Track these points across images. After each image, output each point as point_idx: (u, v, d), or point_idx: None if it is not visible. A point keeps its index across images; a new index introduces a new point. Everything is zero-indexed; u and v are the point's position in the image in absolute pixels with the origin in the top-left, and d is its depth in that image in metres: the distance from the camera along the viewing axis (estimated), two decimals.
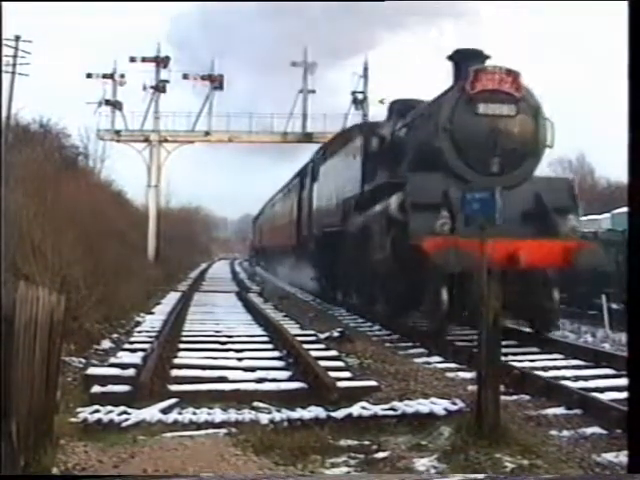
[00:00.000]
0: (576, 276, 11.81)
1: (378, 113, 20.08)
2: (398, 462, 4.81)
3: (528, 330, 10.80)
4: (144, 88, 30.23)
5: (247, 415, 5.81)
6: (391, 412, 5.87)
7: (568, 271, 10.45)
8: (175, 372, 7.43)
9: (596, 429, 5.68)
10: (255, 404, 6.21)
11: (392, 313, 11.75)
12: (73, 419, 5.50)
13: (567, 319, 13.15)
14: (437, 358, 9.16)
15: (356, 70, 31.04)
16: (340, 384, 6.65)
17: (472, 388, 6.27)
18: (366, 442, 5.24)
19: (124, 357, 8.29)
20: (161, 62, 30.40)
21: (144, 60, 30.27)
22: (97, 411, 5.71)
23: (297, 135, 30.60)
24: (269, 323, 11.61)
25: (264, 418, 5.71)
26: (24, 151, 16.33)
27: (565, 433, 5.62)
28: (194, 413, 5.80)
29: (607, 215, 23.56)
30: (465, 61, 10.98)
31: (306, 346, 8.78)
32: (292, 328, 11.23)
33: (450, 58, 11.27)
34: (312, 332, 10.90)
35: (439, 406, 5.98)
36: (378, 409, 5.92)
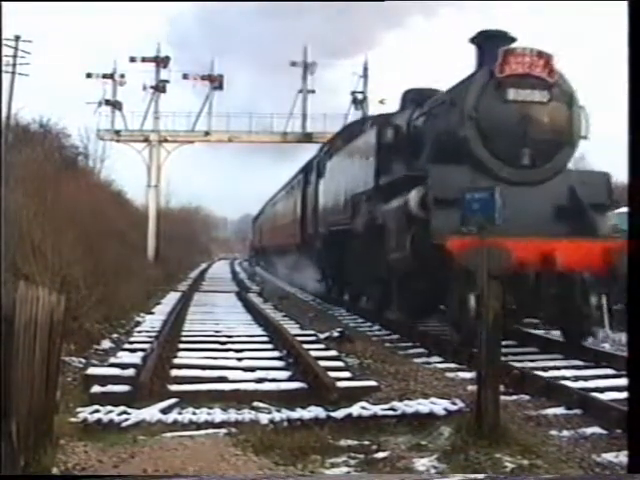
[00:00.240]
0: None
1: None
2: (398, 462, 4.81)
3: (544, 336, 10.29)
4: (144, 88, 30.28)
5: (247, 415, 5.81)
6: (391, 412, 5.87)
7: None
8: (175, 372, 7.42)
9: (596, 429, 5.68)
10: (255, 404, 6.21)
11: (408, 319, 10.90)
12: (73, 419, 5.50)
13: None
14: (437, 358, 9.15)
15: (356, 70, 31.13)
16: (340, 384, 6.65)
17: (472, 388, 6.27)
18: (366, 442, 5.24)
19: (124, 357, 8.29)
20: (161, 62, 30.42)
21: (144, 60, 30.30)
22: (97, 411, 5.71)
23: (297, 135, 30.61)
24: (269, 323, 11.61)
25: (264, 418, 5.71)
26: (24, 151, 16.34)
27: (565, 433, 5.62)
28: (194, 413, 5.80)
29: None
30: (489, 43, 10.04)
31: (306, 346, 8.78)
32: (292, 328, 11.23)
33: (472, 41, 10.35)
34: (312, 332, 10.90)
35: (439, 406, 5.98)
36: (378, 409, 5.91)
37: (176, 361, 8.09)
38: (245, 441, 5.10)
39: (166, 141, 30.55)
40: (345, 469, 4.70)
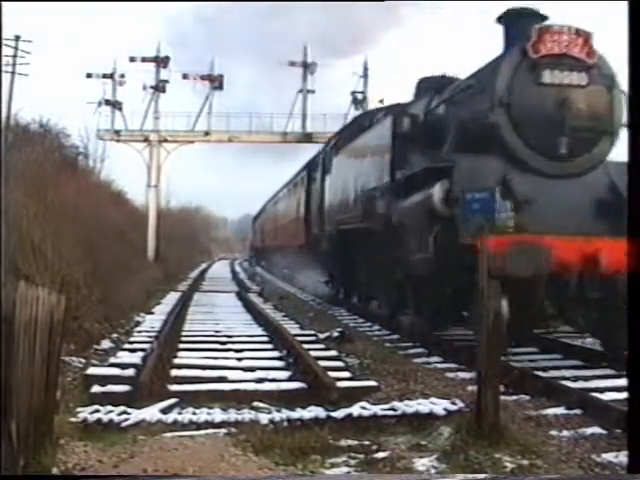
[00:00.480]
0: None
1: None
2: (398, 462, 4.81)
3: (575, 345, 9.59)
4: (144, 88, 30.31)
5: (247, 415, 5.81)
6: (391, 412, 5.87)
7: None
8: (175, 372, 7.43)
9: (596, 429, 5.68)
10: (255, 404, 6.21)
11: (426, 326, 9.90)
12: (73, 419, 5.50)
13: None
14: (437, 358, 9.15)
15: (356, 70, 31.15)
16: (340, 384, 6.65)
17: (472, 388, 6.28)
18: (366, 442, 5.24)
19: (124, 357, 8.29)
20: (161, 62, 30.46)
21: (144, 60, 30.34)
22: (97, 411, 5.71)
23: (297, 135, 30.63)
24: (269, 323, 11.61)
25: (264, 418, 5.71)
26: (24, 151, 16.33)
27: (565, 433, 5.62)
28: (194, 413, 5.80)
29: None
30: (519, 22, 9.15)
31: (306, 346, 8.78)
32: (292, 328, 11.23)
33: (499, 20, 9.49)
34: (312, 332, 10.91)
35: (439, 406, 5.98)
36: (378, 409, 5.92)
37: (176, 361, 8.10)
38: (245, 441, 5.10)
39: (166, 141, 30.57)
40: (345, 469, 4.70)
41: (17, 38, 30.22)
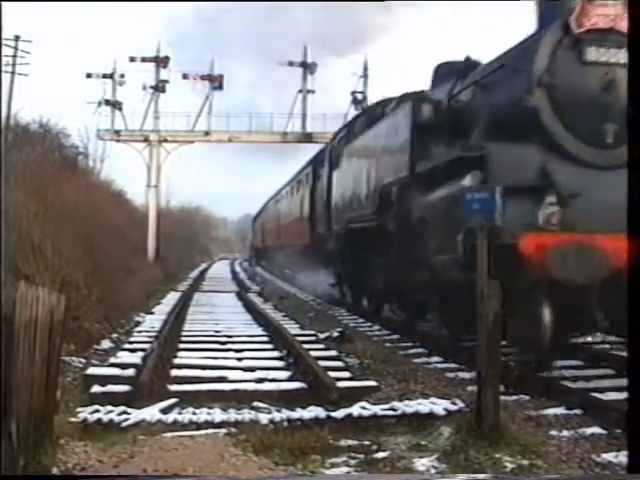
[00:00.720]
0: None
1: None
2: (398, 462, 4.81)
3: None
4: (144, 88, 30.32)
5: (247, 415, 5.81)
6: (391, 412, 5.87)
7: None
8: (175, 372, 7.43)
9: (596, 429, 5.68)
10: (255, 404, 6.21)
11: (452, 335, 9.05)
12: (73, 419, 5.51)
13: None
14: (437, 358, 9.14)
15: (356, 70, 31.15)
16: (340, 384, 6.65)
17: (472, 388, 6.28)
18: (366, 442, 5.24)
19: (124, 357, 8.29)
20: (161, 62, 30.47)
21: (144, 60, 30.36)
22: (97, 411, 5.72)
23: (297, 135, 30.63)
24: (269, 323, 11.61)
25: (264, 418, 5.71)
26: (24, 151, 16.33)
27: (565, 433, 5.62)
28: (194, 413, 5.81)
29: None
30: None
31: (306, 346, 8.78)
32: (292, 328, 11.23)
33: None
34: (312, 332, 10.91)
35: (439, 406, 5.98)
36: (378, 409, 5.92)
37: (176, 361, 8.10)
38: (245, 441, 5.10)
39: (166, 141, 30.57)
40: (345, 469, 4.70)
41: (17, 38, 30.24)
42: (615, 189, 7.05)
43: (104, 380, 6.79)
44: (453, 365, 8.58)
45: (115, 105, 30.25)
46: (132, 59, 30.25)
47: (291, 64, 30.92)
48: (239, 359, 8.45)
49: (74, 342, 8.87)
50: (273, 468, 4.65)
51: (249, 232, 62.01)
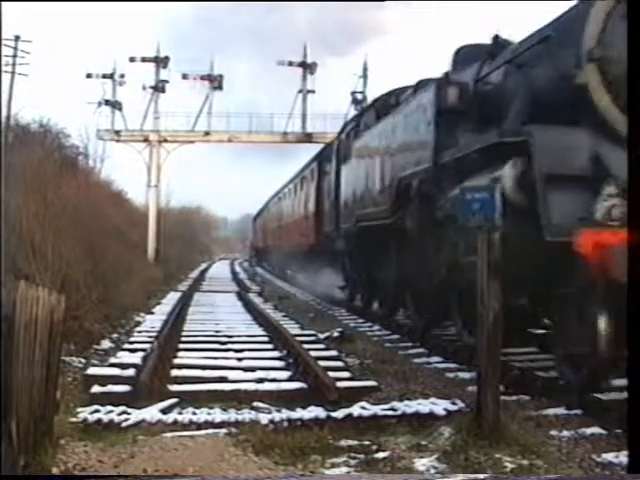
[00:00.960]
0: None
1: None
2: (398, 462, 4.81)
3: None
4: (144, 88, 30.32)
5: (247, 415, 5.81)
6: (391, 412, 5.87)
7: None
8: (175, 372, 7.43)
9: (596, 429, 5.68)
10: (255, 404, 6.21)
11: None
12: (73, 419, 5.51)
13: None
14: (437, 358, 9.14)
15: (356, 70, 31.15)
16: (340, 384, 6.65)
17: (472, 388, 6.27)
18: (366, 442, 5.24)
19: (124, 357, 8.29)
20: (161, 62, 30.46)
21: (144, 60, 30.35)
22: (97, 411, 5.71)
23: (297, 135, 30.62)
24: (269, 323, 11.61)
25: (264, 418, 5.71)
26: (24, 151, 16.33)
27: (565, 433, 5.62)
28: (194, 413, 5.81)
29: None
30: None
31: (306, 346, 8.78)
32: (292, 328, 11.23)
33: None
34: (312, 332, 10.91)
35: (439, 406, 5.98)
36: (378, 409, 5.91)
37: (176, 361, 8.10)
38: (245, 441, 5.10)
39: (166, 141, 30.57)
40: (345, 469, 4.70)
41: (17, 38, 30.27)
42: None
43: (104, 380, 6.79)
44: (453, 365, 8.56)
45: (115, 105, 30.24)
46: (132, 59, 30.27)
47: (291, 64, 30.92)
48: (239, 359, 8.45)
49: (74, 342, 8.88)
50: (273, 468, 4.65)
51: (249, 232, 61.98)
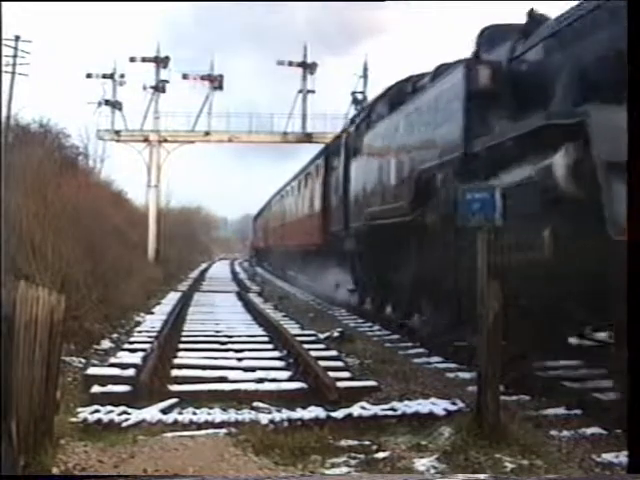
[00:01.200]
0: None
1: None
2: (398, 462, 4.81)
3: None
4: (144, 88, 30.31)
5: (247, 415, 5.81)
6: (391, 412, 5.87)
7: None
8: (175, 372, 7.43)
9: (596, 429, 5.67)
10: (255, 404, 6.21)
11: (522, 356, 7.17)
12: (73, 419, 5.51)
13: None
14: (437, 358, 9.13)
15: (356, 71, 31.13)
16: (340, 384, 6.65)
17: (472, 388, 6.27)
18: (366, 442, 5.24)
19: (124, 357, 8.29)
20: (161, 62, 30.44)
21: (144, 60, 30.34)
22: (97, 411, 5.71)
23: (297, 135, 30.61)
24: (269, 323, 11.61)
25: (264, 418, 5.71)
26: (24, 151, 16.32)
27: (565, 433, 5.62)
28: (194, 413, 5.81)
29: None
30: None
31: (306, 346, 8.78)
32: (292, 328, 11.23)
33: None
34: (312, 332, 10.91)
35: (439, 406, 5.98)
36: (378, 409, 5.92)
37: (176, 361, 8.10)
38: (245, 441, 5.10)
39: (166, 141, 30.55)
40: (345, 469, 4.70)
41: (17, 38, 30.26)
42: None
43: (104, 380, 6.79)
44: (453, 365, 8.55)
45: (115, 105, 30.23)
46: (132, 59, 30.25)
47: (291, 64, 30.91)
48: (239, 359, 8.44)
49: (74, 342, 8.88)
50: (273, 468, 4.65)
51: (249, 232, 61.94)
